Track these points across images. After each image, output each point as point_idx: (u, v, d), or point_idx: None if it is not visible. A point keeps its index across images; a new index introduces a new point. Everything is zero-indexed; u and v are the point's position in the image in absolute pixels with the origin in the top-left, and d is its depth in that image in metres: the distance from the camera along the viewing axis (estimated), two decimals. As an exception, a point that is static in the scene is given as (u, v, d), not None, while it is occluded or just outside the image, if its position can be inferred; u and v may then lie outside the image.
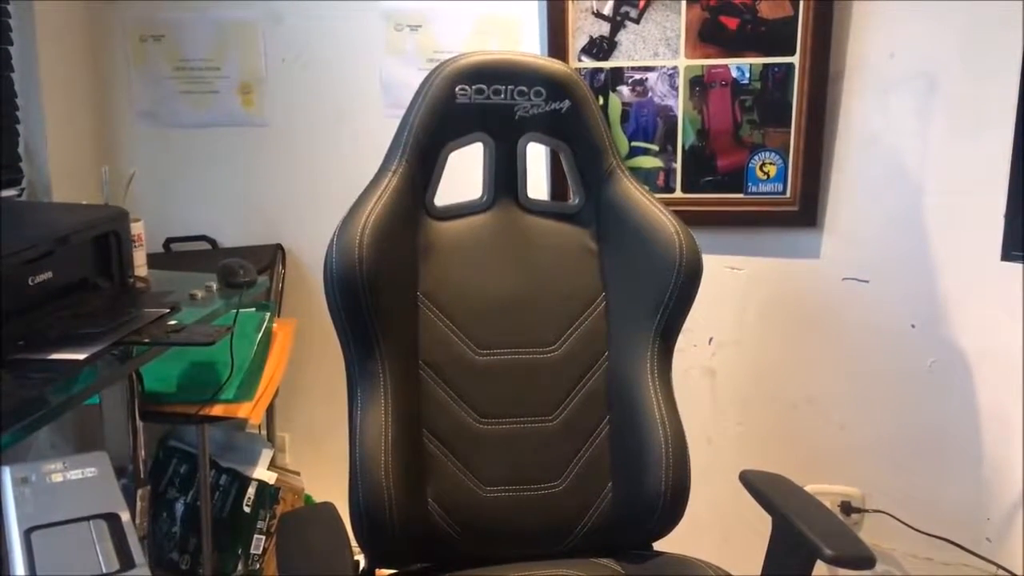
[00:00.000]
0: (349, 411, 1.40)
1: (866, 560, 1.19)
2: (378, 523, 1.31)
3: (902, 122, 1.98)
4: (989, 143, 1.92)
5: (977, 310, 2.01)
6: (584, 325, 1.52)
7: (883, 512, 2.10)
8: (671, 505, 1.41)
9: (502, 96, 1.49)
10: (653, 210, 1.48)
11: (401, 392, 1.37)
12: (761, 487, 1.40)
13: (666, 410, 1.43)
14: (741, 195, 2.05)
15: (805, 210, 2.03)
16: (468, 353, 1.48)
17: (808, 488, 2.10)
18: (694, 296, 1.46)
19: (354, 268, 1.32)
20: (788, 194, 2.03)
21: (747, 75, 1.99)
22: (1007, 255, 1.89)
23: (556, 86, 1.49)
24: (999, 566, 2.08)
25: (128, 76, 2.27)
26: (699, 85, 2.02)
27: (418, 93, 1.48)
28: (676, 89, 2.03)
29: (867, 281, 2.05)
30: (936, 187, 1.98)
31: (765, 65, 1.97)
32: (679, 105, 2.03)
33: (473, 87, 1.48)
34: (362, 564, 1.43)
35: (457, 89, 1.47)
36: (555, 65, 1.52)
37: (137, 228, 1.75)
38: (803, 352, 2.12)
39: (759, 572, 1.38)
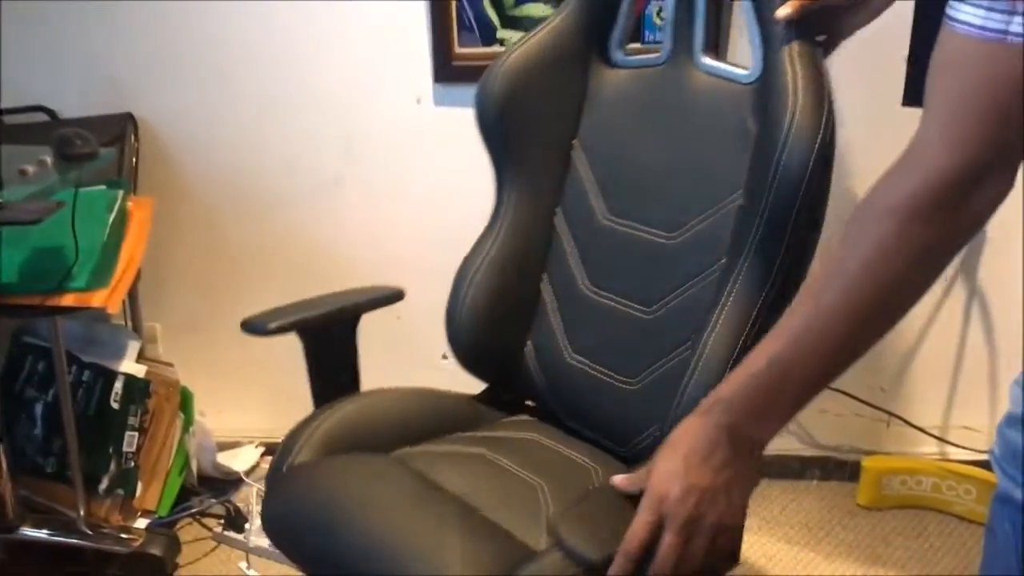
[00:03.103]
0: None
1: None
2: (452, 326, 1.44)
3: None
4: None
5: (878, 159, 1.95)
6: (710, 220, 1.25)
7: (782, 369, 2.08)
8: None
9: None
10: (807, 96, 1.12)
11: (523, 232, 1.42)
12: None
13: (713, 341, 1.16)
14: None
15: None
16: (596, 213, 1.39)
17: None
18: (810, 220, 1.11)
19: (485, 98, 1.37)
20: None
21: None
22: (909, 100, 1.82)
23: None
24: (892, 414, 2.11)
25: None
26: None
27: None
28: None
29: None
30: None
31: None
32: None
33: None
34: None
35: None
36: None
37: (-52, 94, 1.50)
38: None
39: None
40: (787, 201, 1.09)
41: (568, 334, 1.42)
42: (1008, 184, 0.76)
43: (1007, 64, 0.70)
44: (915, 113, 1.93)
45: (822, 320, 0.82)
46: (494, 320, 1.43)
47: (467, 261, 1.43)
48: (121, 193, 1.84)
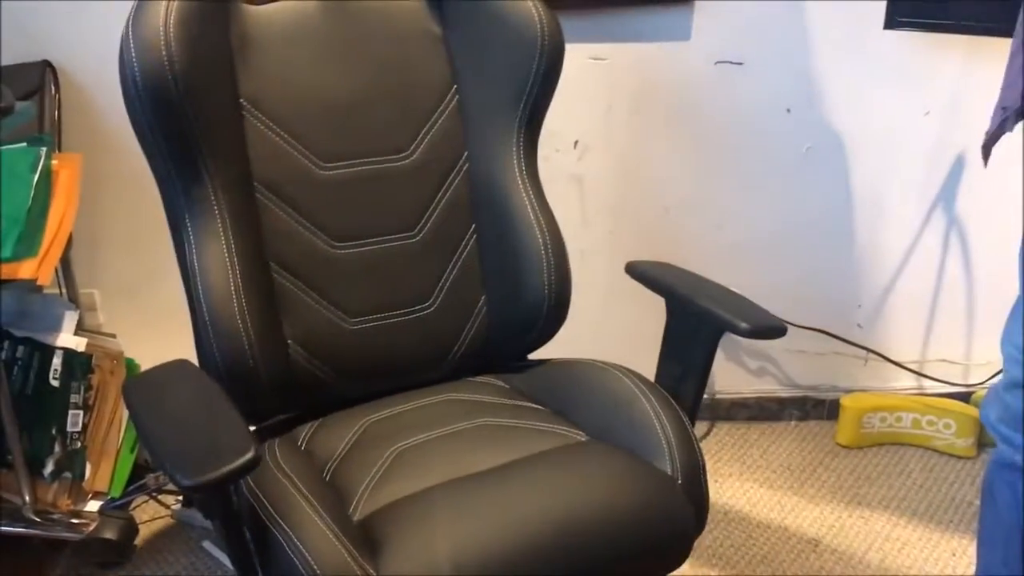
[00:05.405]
0: (178, 253, 1.18)
1: (777, 329, 1.18)
2: (242, 374, 1.15)
3: None
4: None
5: (854, 87, 1.87)
6: (438, 125, 1.34)
7: (759, 309, 2.01)
8: (554, 311, 1.32)
9: None
10: None
11: (241, 220, 1.18)
12: (653, 274, 1.34)
13: (540, 211, 1.32)
14: (602, -30, 1.79)
15: (674, -16, 1.80)
16: (309, 167, 1.27)
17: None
18: (556, 80, 1.32)
19: (163, 67, 1.09)
20: (655, -34, 1.79)
21: None
22: (892, 22, 1.73)
23: None
24: (869, 350, 2.07)
25: None
26: None
27: None
28: None
29: (741, 63, 1.85)
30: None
31: None
32: None
33: None
34: None
35: None
36: None
37: None
38: (675, 149, 1.93)
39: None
40: (546, 89, 1.31)
41: (335, 305, 1.28)
42: None
43: None
44: (897, 37, 1.86)
45: None
46: (266, 339, 1.18)
47: (209, 282, 1.14)
48: (44, 150, 1.66)
